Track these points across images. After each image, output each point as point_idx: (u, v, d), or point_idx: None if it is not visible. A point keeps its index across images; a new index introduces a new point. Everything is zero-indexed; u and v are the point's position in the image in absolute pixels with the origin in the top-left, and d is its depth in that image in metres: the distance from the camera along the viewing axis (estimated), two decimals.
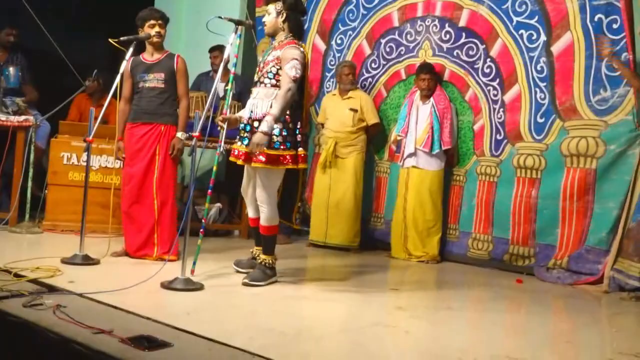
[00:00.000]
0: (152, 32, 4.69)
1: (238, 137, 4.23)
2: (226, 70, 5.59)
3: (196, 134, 3.90)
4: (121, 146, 4.78)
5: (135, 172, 4.69)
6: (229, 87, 4.62)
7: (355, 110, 6.04)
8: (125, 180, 4.76)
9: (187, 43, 7.54)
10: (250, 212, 4.44)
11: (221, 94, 6.50)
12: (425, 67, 5.78)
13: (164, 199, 4.70)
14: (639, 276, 4.62)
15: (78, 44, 7.43)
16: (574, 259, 4.95)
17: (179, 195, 5.57)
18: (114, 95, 4.53)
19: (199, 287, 3.80)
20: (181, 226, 3.95)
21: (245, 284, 4.02)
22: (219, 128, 4.23)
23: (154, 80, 4.72)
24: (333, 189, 6.01)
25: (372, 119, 6.09)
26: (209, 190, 4.26)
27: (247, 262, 4.47)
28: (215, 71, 6.49)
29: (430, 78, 5.72)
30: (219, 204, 6.32)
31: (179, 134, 4.68)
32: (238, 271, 4.41)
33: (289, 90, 3.95)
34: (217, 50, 6.51)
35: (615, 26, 5.01)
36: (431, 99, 5.74)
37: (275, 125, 3.99)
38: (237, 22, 4.18)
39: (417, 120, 5.76)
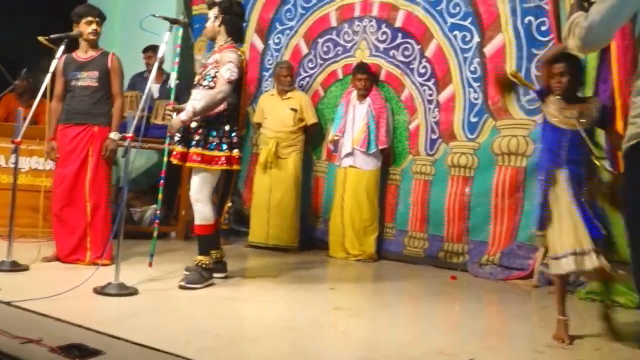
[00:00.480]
0: (89, 29, 4.60)
1: (176, 138, 4.21)
2: (160, 71, 5.52)
3: (129, 134, 3.84)
4: (54, 146, 4.65)
5: (67, 173, 4.57)
6: (174, 77, 4.66)
7: (295, 110, 6.05)
8: (57, 182, 4.64)
9: (122, 42, 7.38)
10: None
11: (155, 95, 6.42)
12: (362, 67, 5.84)
13: (96, 201, 4.59)
14: None
15: (6, 39, 7.19)
16: (505, 255, 5.10)
17: (113, 197, 5.46)
18: (44, 95, 4.41)
19: (133, 292, 3.74)
20: (114, 229, 3.87)
21: (181, 287, 3.98)
22: (166, 118, 4.23)
23: (87, 79, 4.62)
24: (274, 189, 5.98)
25: (311, 118, 6.13)
26: (161, 182, 4.44)
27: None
28: (150, 71, 6.36)
29: (367, 78, 5.79)
30: (154, 206, 6.20)
31: (112, 135, 4.58)
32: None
33: (220, 92, 4.01)
34: (150, 50, 6.41)
35: (543, 28, 5.18)
36: (367, 98, 5.80)
37: (211, 127, 4.08)
38: (172, 21, 4.15)
39: (354, 120, 5.81)
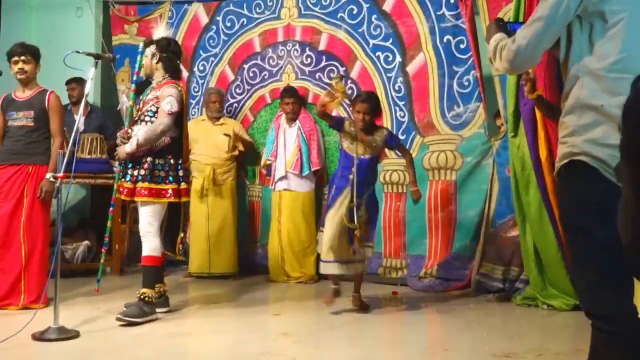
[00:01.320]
0: (15, 69, 4.48)
1: (121, 174, 4.28)
2: (86, 104, 5.39)
3: (60, 174, 3.74)
4: None
5: (2, 215, 4.40)
6: (129, 101, 4.69)
7: (228, 136, 6.00)
8: None
9: (39, 75, 7.15)
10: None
11: (81, 128, 6.24)
12: (289, 91, 5.88)
13: (32, 243, 4.43)
14: (502, 278, 4.97)
15: None
16: (443, 267, 5.23)
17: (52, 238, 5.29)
18: None
19: (74, 335, 3.62)
20: (51, 270, 3.73)
21: (118, 319, 3.91)
22: (118, 142, 4.22)
23: (23, 119, 4.50)
24: (212, 217, 5.89)
25: (247, 140, 6.15)
26: (111, 209, 4.50)
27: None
28: (74, 104, 6.22)
29: (294, 102, 5.83)
30: (86, 242, 6.02)
31: (48, 175, 4.43)
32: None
33: (161, 124, 4.10)
34: (73, 82, 6.24)
35: (462, 46, 5.38)
36: (297, 121, 5.84)
37: (156, 161, 4.17)
38: (97, 57, 4.09)
39: (285, 144, 5.84)
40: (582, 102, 2.10)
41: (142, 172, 4.13)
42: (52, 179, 4.41)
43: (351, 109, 4.64)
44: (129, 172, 4.17)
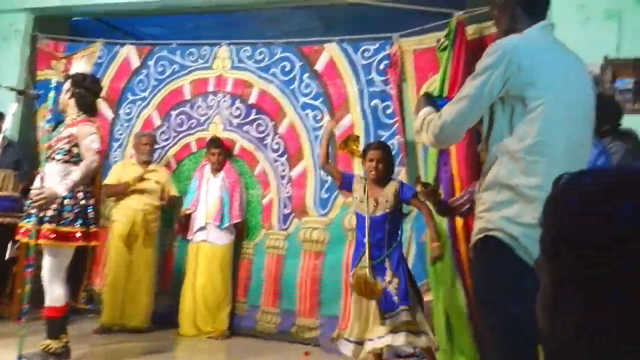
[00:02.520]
0: None
1: (25, 214, 3.97)
2: (3, 139, 5.17)
3: None
4: None
5: None
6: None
7: (159, 184, 5.78)
8: None
9: None
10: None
11: None
12: (215, 142, 5.82)
13: None
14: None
15: None
16: None
17: None
18: None
19: None
20: None
21: None
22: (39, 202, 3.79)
23: None
24: (134, 266, 5.56)
25: (172, 190, 5.93)
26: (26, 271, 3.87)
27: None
28: None
29: (220, 152, 5.77)
30: None
31: None
32: None
33: (94, 162, 3.92)
34: None
35: (389, 111, 5.51)
36: (221, 172, 5.77)
37: (65, 202, 3.90)
38: (20, 92, 3.96)
39: (207, 194, 5.74)
40: (500, 181, 2.17)
41: (50, 212, 3.84)
42: None
43: (362, 160, 4.27)
44: (35, 212, 3.84)
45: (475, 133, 3.41)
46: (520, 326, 2.04)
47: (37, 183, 4.00)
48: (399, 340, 3.87)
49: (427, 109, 2.44)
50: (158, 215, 5.80)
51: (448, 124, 2.23)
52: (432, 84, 5.12)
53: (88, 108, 4.19)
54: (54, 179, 3.90)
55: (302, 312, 5.49)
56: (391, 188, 4.09)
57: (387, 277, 3.92)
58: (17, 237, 3.99)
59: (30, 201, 3.82)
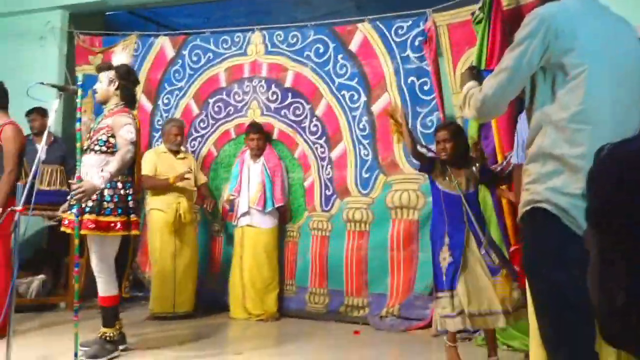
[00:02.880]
0: None
1: (68, 205, 4.02)
2: (49, 135, 5.29)
3: (19, 207, 3.64)
4: None
5: None
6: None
7: (192, 171, 5.84)
8: None
9: None
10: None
11: (43, 157, 6.13)
12: (254, 127, 5.88)
13: None
14: None
15: None
16: (404, 306, 5.24)
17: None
18: None
19: None
20: (5, 306, 3.62)
21: None
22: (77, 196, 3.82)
23: None
24: (180, 255, 5.64)
25: (202, 178, 6.04)
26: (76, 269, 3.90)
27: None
28: (35, 134, 6.11)
29: (260, 137, 5.83)
30: (42, 276, 5.86)
31: None
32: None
33: (128, 152, 3.94)
34: (34, 112, 6.15)
35: (426, 88, 5.49)
36: (262, 157, 5.84)
37: (105, 192, 3.96)
38: (61, 89, 4.00)
39: (249, 179, 5.81)
40: (544, 151, 2.16)
41: (90, 203, 3.91)
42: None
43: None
44: (76, 203, 3.87)
45: (518, 103, 3.37)
46: (566, 293, 2.06)
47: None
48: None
49: (471, 83, 2.44)
50: (193, 202, 5.90)
51: (489, 97, 2.23)
52: (469, 58, 5.08)
53: (131, 99, 4.25)
54: (93, 170, 3.96)
55: (350, 292, 5.56)
56: (472, 167, 4.02)
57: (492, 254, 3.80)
58: (62, 229, 4.05)
59: (71, 195, 3.88)
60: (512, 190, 4.10)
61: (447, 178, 3.94)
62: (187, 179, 5.73)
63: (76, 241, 3.82)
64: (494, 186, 4.36)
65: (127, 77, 4.21)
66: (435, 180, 4.02)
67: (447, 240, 3.85)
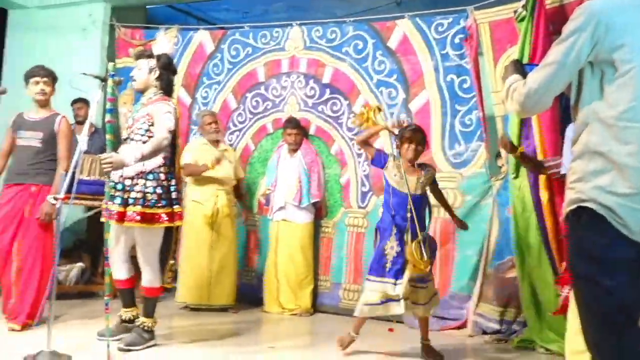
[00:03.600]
0: (36, 89, 4.53)
1: (109, 195, 4.05)
2: (91, 125, 5.39)
3: (61, 195, 3.72)
4: None
5: (4, 235, 4.43)
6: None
7: (232, 164, 5.87)
8: None
9: None
10: (120, 274, 4.26)
11: (84, 148, 6.24)
12: (292, 122, 5.91)
13: (26, 262, 4.43)
14: (499, 319, 4.95)
15: None
16: (440, 306, 5.19)
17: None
18: None
19: None
20: (47, 292, 3.70)
21: (121, 349, 3.87)
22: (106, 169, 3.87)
23: (31, 139, 4.53)
24: (217, 247, 5.66)
25: (240, 173, 6.07)
26: (106, 262, 3.95)
27: (116, 327, 4.26)
28: (79, 122, 6.23)
29: (297, 133, 5.86)
30: (80, 264, 5.98)
31: (49, 197, 4.45)
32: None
33: (165, 139, 3.93)
34: (81, 101, 6.29)
35: (465, 85, 5.45)
36: (298, 152, 5.87)
37: (148, 184, 3.99)
38: (103, 80, 4.04)
39: (286, 174, 5.85)
40: (591, 148, 2.12)
41: (134, 195, 3.96)
42: (52, 201, 4.44)
43: (398, 142, 4.33)
44: (119, 194, 3.99)
45: (563, 100, 3.33)
46: (611, 296, 2.02)
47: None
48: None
49: (514, 77, 2.41)
50: (233, 195, 5.90)
51: (533, 91, 2.19)
52: (511, 56, 5.02)
53: (169, 89, 4.27)
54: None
55: None
56: (428, 172, 4.30)
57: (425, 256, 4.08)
58: (102, 219, 4.07)
59: (108, 180, 3.94)
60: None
61: (397, 175, 4.20)
62: (219, 163, 5.73)
63: (106, 234, 3.87)
64: (533, 170, 4.39)
65: (167, 67, 4.22)
66: (386, 175, 4.27)
67: (395, 231, 4.13)
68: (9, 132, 4.64)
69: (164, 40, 4.37)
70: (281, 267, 5.75)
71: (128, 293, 4.29)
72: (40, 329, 4.14)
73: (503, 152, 5.10)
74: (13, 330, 4.32)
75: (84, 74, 4.04)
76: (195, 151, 5.83)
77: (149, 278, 4.09)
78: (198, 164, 5.73)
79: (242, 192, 6.09)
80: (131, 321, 4.23)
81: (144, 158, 3.86)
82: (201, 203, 5.69)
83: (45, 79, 4.57)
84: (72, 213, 6.64)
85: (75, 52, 7.00)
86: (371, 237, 5.62)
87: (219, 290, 5.67)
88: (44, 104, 4.63)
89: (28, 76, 4.58)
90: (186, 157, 5.78)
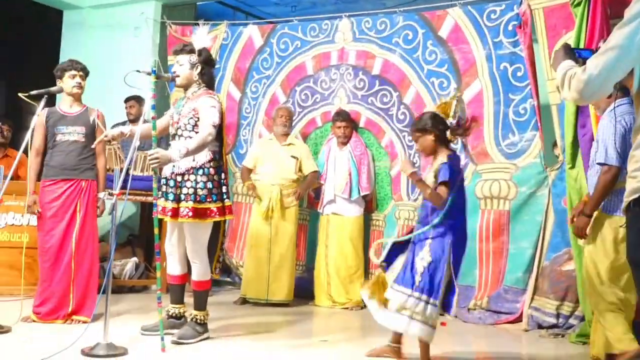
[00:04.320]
0: (73, 82, 4.59)
1: (161, 192, 4.12)
2: (144, 122, 5.48)
3: (116, 191, 3.79)
4: (37, 200, 4.56)
5: (56, 231, 4.51)
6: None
7: (296, 158, 5.85)
8: (45, 239, 4.53)
9: (96, 92, 7.35)
10: (174, 269, 4.31)
11: (137, 144, 6.35)
12: (342, 115, 5.89)
13: (83, 257, 4.54)
14: (555, 313, 4.83)
15: None
16: (493, 299, 5.12)
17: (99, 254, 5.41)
18: (25, 151, 4.34)
19: (122, 352, 3.64)
20: (103, 286, 3.77)
21: (174, 342, 3.93)
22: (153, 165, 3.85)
23: (75, 134, 4.59)
24: (275, 242, 5.68)
25: (311, 167, 5.93)
26: (157, 257, 3.96)
27: (164, 323, 4.26)
28: (132, 121, 6.35)
29: (347, 125, 5.84)
30: (134, 259, 6.10)
31: (101, 195, 4.55)
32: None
33: (210, 135, 3.95)
34: (132, 100, 6.40)
35: (519, 74, 5.32)
36: (348, 145, 5.84)
37: (199, 179, 4.03)
38: (157, 77, 4.10)
39: (335, 167, 5.84)
40: None
41: (185, 190, 4.00)
42: (105, 197, 4.56)
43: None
44: (171, 190, 4.05)
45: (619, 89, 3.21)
46: None
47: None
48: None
49: (567, 62, 2.33)
50: (295, 190, 5.84)
51: (593, 78, 2.11)
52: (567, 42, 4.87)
53: (212, 84, 4.29)
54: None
55: None
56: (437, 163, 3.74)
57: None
58: (155, 215, 4.07)
59: (155, 176, 3.95)
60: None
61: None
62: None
63: (156, 230, 3.91)
64: None
65: (209, 61, 4.25)
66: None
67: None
68: (41, 127, 4.61)
69: (204, 34, 4.36)
70: (331, 260, 5.76)
71: (179, 289, 4.33)
72: (96, 322, 4.23)
73: (559, 141, 4.97)
74: (81, 322, 4.41)
75: (137, 71, 4.09)
76: (255, 153, 5.95)
77: (199, 272, 4.13)
78: (260, 164, 5.86)
79: (316, 186, 6.04)
80: (178, 317, 4.27)
81: (189, 153, 3.89)
82: (259, 198, 5.76)
83: (81, 72, 4.63)
84: (125, 208, 6.79)
85: (129, 51, 7.14)
86: None
87: (278, 285, 5.68)
88: (79, 97, 4.69)
89: (63, 70, 4.61)
90: (250, 151, 6.03)
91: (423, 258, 3.58)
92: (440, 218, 3.60)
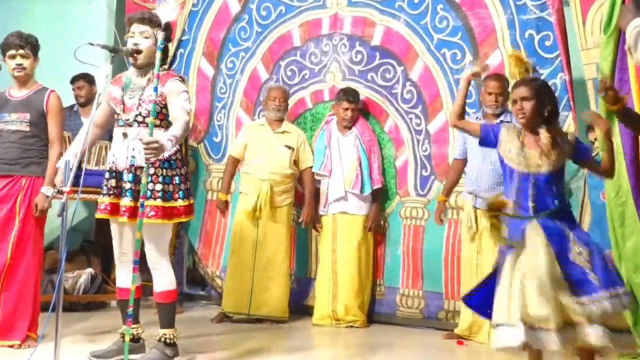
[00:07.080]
0: (12, 64, 4.52)
1: (110, 188, 4.09)
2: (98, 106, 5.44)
3: (67, 189, 3.73)
4: None
5: None
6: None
7: (291, 149, 5.79)
8: None
9: (44, 72, 7.28)
10: (123, 281, 4.22)
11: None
12: (349, 94, 5.79)
13: (18, 268, 4.47)
14: None
15: None
16: None
17: (46, 264, 5.37)
18: None
19: None
20: (52, 302, 3.73)
21: None
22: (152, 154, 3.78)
23: (17, 122, 4.53)
24: (263, 246, 5.67)
25: (308, 161, 5.89)
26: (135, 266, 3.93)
27: (113, 348, 4.21)
28: (81, 104, 6.29)
29: (355, 107, 5.77)
30: (90, 270, 6.06)
31: (44, 189, 4.48)
32: None
33: (189, 122, 3.99)
34: (81, 79, 6.32)
35: (548, 43, 5.31)
36: (354, 129, 5.80)
37: (165, 174, 4.03)
38: (113, 50, 4.05)
39: (341, 156, 5.79)
40: None
41: (151, 186, 3.97)
42: (48, 194, 4.47)
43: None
44: (130, 187, 3.98)
45: None
46: None
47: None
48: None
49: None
50: (290, 186, 5.84)
51: None
52: (602, 5, 4.86)
53: (166, 62, 4.32)
54: (139, 145, 3.88)
55: (450, 294, 5.47)
56: (568, 140, 3.61)
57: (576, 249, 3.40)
58: (100, 213, 4.09)
59: (143, 151, 3.80)
60: None
61: (512, 151, 3.55)
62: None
63: (138, 234, 3.88)
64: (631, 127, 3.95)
65: (170, 38, 4.24)
66: (501, 153, 3.63)
67: None
68: None
69: (172, 5, 4.33)
70: (342, 269, 5.65)
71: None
72: (43, 346, 4.17)
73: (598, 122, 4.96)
74: (11, 347, 4.36)
75: (90, 44, 4.01)
76: (244, 139, 5.88)
77: (163, 280, 4.10)
78: (250, 152, 5.82)
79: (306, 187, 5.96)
80: (136, 340, 4.21)
81: (177, 142, 3.91)
82: (247, 194, 5.74)
83: (21, 50, 4.51)
84: (77, 209, 6.72)
85: (79, 21, 7.08)
86: (432, 231, 5.57)
87: (262, 297, 5.64)
88: (24, 80, 4.61)
89: (3, 48, 4.55)
90: (238, 138, 5.98)
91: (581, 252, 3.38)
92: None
